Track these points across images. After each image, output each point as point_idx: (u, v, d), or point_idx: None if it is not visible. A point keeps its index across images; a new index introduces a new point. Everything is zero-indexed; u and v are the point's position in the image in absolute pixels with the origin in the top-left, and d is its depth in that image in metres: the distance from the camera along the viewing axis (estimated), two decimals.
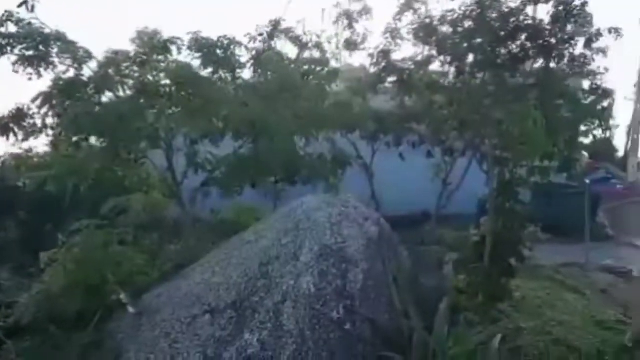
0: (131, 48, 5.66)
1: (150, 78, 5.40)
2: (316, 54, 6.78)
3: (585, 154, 16.87)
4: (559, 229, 11.21)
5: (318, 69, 6.36)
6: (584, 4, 5.63)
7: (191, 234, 5.12)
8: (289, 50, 6.44)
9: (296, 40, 6.09)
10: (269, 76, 5.34)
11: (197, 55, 5.57)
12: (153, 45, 5.37)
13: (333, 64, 6.97)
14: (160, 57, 5.49)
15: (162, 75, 5.46)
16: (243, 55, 5.69)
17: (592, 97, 10.27)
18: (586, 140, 13.35)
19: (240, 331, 2.83)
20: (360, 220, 3.25)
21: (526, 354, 4.15)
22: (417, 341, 2.99)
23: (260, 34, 6.30)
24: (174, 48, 5.47)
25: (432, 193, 7.68)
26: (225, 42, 5.58)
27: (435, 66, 6.81)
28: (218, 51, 5.54)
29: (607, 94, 10.82)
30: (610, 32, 5.83)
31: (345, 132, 5.99)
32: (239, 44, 5.68)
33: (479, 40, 5.92)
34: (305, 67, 6.00)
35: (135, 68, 5.41)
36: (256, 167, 4.91)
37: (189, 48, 5.57)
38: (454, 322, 4.06)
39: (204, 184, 5.06)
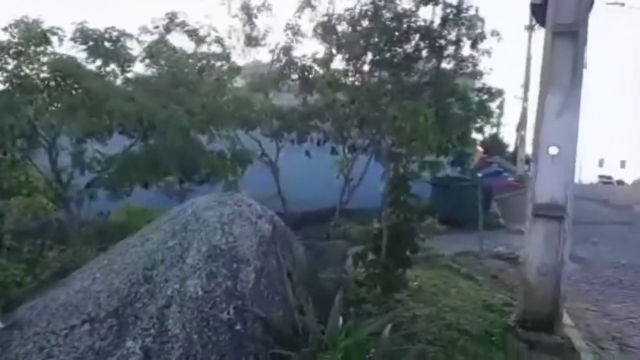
0: (5, 38, 5.11)
1: (28, 71, 4.92)
2: (217, 48, 6.60)
3: (480, 149, 18.21)
4: (457, 220, 12.02)
5: (218, 64, 6.19)
6: (469, 8, 6.02)
7: (77, 239, 4.74)
8: (187, 44, 6.21)
9: (192, 34, 5.87)
10: (162, 70, 5.10)
11: (83, 47, 5.16)
12: (30, 35, 4.88)
13: (236, 59, 6.82)
14: (40, 49, 5.01)
15: (42, 68, 4.99)
16: (134, 49, 5.38)
17: (485, 96, 11.11)
18: (480, 137, 14.43)
19: (121, 340, 2.65)
20: (253, 219, 3.18)
21: (420, 339, 4.35)
22: (311, 336, 3.00)
23: (156, 27, 6.00)
24: (54, 39, 5.02)
25: (340, 189, 7.83)
26: (114, 33, 5.23)
27: (337, 64, 6.94)
28: (106, 43, 5.18)
29: (498, 93, 11.75)
30: (492, 34, 6.29)
31: (246, 129, 5.89)
32: (130, 36, 5.36)
33: (376, 39, 6.11)
34: (204, 62, 5.80)
35: (10, 60, 4.90)
36: (148, 166, 4.66)
37: (73, 40, 5.15)
38: (354, 314, 4.15)
39: (89, 185, 4.70)
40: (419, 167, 5.24)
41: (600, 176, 54.14)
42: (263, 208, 3.29)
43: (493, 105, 12.10)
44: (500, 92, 12.21)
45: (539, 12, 5.59)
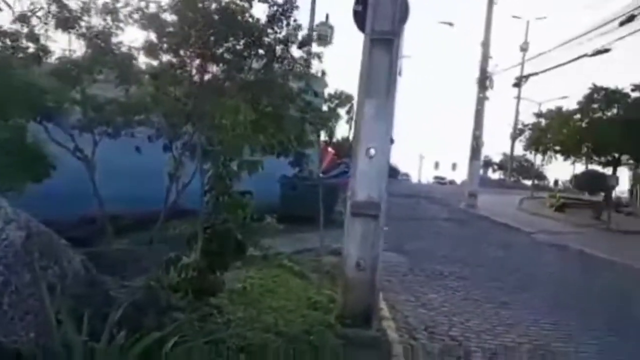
0: None
1: None
2: (23, 28, 5.76)
3: (331, 150, 18.96)
4: (304, 218, 12.23)
5: (20, 45, 5.37)
6: (294, 8, 6.00)
7: None
8: None
9: None
10: None
11: None
12: None
13: (44, 41, 5.98)
14: None
15: None
16: None
17: (336, 101, 11.45)
18: (326, 139, 14.93)
19: None
20: None
21: (229, 346, 4.16)
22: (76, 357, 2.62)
23: None
24: None
25: (175, 188, 7.30)
26: None
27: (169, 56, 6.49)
28: None
29: (347, 99, 12.18)
30: (319, 38, 6.39)
31: (41, 119, 5.15)
32: None
33: (202, 32, 5.81)
34: None
35: None
36: None
37: None
38: (154, 324, 3.83)
39: None
40: (238, 167, 5.06)
41: (435, 177, 61.11)
42: (16, 212, 2.79)
43: (342, 110, 12.57)
44: (349, 98, 12.71)
45: (359, 19, 5.82)
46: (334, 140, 17.93)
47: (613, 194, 24.48)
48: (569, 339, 5.87)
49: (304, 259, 8.84)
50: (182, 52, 6.00)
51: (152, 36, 6.04)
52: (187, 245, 4.85)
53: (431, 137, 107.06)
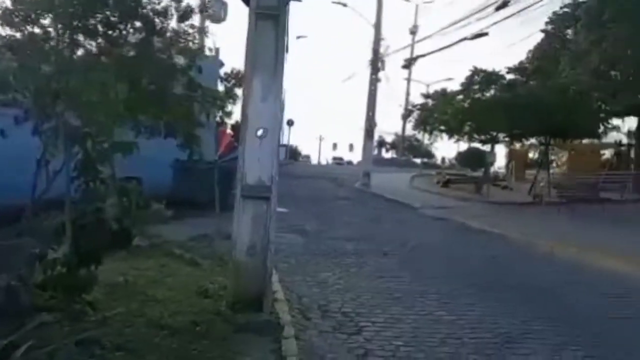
0: None
1: None
2: None
3: (230, 132, 18.49)
4: (199, 203, 11.78)
5: None
6: None
7: None
8: None
9: None
10: None
11: None
12: None
13: None
14: None
15: None
16: None
17: (233, 80, 10.97)
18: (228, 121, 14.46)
19: None
20: None
21: (104, 345, 3.83)
22: None
23: None
24: None
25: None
26: None
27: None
28: None
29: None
30: (201, 11, 6.03)
31: None
32: None
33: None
34: None
35: None
36: None
37: None
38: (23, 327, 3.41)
39: None
40: (111, 148, 4.62)
41: (334, 158, 63.11)
42: None
43: (240, 91, 12.16)
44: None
45: None
46: (233, 122, 17.51)
47: (492, 170, 26.81)
48: (452, 307, 6.24)
49: (197, 245, 8.48)
50: (45, 23, 5.35)
51: (7, 2, 5.31)
52: (55, 239, 4.36)
53: (330, 119, 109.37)
